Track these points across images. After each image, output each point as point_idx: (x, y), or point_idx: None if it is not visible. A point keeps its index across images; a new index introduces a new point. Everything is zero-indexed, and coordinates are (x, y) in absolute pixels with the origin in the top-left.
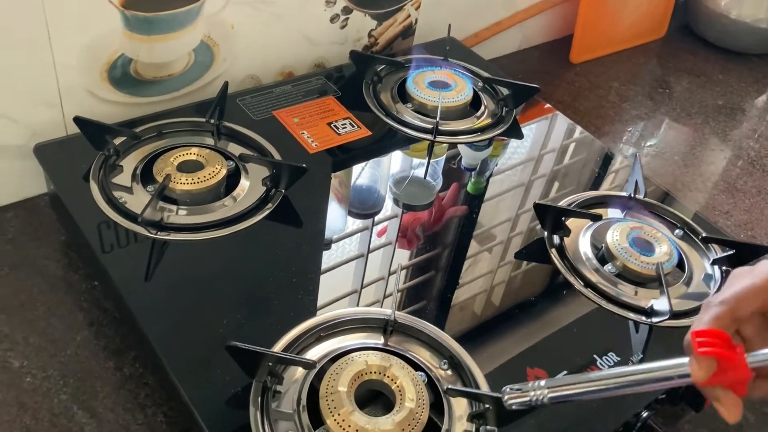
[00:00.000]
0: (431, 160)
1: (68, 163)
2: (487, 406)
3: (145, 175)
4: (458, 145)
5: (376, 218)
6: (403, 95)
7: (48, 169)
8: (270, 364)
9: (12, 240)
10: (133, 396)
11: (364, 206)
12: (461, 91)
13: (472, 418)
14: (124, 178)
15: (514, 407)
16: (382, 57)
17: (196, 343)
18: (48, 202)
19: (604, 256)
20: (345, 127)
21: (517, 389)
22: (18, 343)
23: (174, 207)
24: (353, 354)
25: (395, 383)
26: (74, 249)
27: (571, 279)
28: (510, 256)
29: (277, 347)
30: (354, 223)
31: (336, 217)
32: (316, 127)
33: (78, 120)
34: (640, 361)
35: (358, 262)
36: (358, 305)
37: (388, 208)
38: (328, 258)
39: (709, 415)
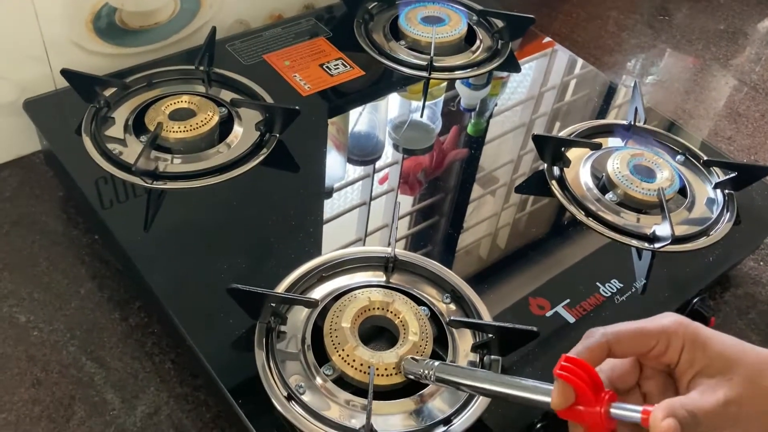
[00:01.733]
0: (429, 102)
1: (59, 117)
2: (490, 335)
3: (137, 126)
4: (456, 86)
5: (377, 165)
6: (395, 33)
7: (39, 125)
8: (273, 305)
9: (10, 198)
10: (140, 345)
11: (363, 152)
12: (455, 25)
13: (476, 348)
14: (116, 130)
15: (407, 375)
16: None
17: (198, 289)
18: (43, 159)
19: (605, 185)
20: (338, 68)
21: (414, 360)
22: (23, 298)
23: (168, 156)
24: (356, 291)
25: (398, 318)
26: (72, 204)
27: (573, 209)
28: (514, 198)
29: (280, 288)
30: (355, 171)
31: (335, 165)
32: (308, 69)
33: (65, 72)
34: (644, 288)
35: (361, 210)
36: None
37: (389, 154)
38: (330, 207)
39: None
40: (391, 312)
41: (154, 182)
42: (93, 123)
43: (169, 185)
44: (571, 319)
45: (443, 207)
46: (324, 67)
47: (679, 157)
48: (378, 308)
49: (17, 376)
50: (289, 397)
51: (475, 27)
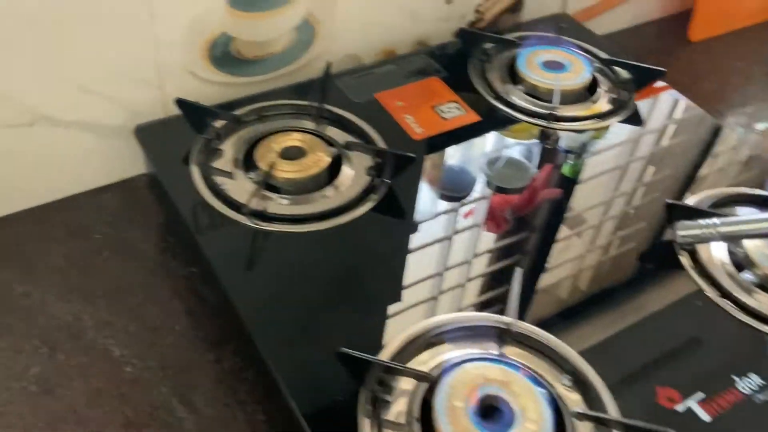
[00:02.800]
0: (526, 142)
1: (168, 145)
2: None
3: (245, 160)
4: None
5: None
6: (512, 76)
7: (148, 151)
8: (380, 372)
9: (111, 222)
10: (233, 391)
11: (455, 189)
12: (578, 73)
13: None
14: (224, 163)
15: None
16: (492, 35)
17: (297, 340)
18: (145, 183)
19: (741, 262)
20: (451, 112)
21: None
22: (118, 330)
23: (275, 195)
24: (469, 365)
25: (516, 400)
26: (171, 233)
27: (704, 286)
28: (630, 262)
29: (386, 354)
30: (443, 205)
31: (427, 201)
32: (420, 111)
33: (180, 102)
34: None
35: (442, 244)
36: (441, 289)
37: (478, 189)
38: (412, 239)
39: None
40: (508, 393)
41: (261, 223)
42: (202, 154)
43: (275, 227)
44: (707, 418)
45: (526, 246)
46: (437, 109)
47: None
48: (494, 386)
49: (109, 413)
50: None
51: (596, 75)
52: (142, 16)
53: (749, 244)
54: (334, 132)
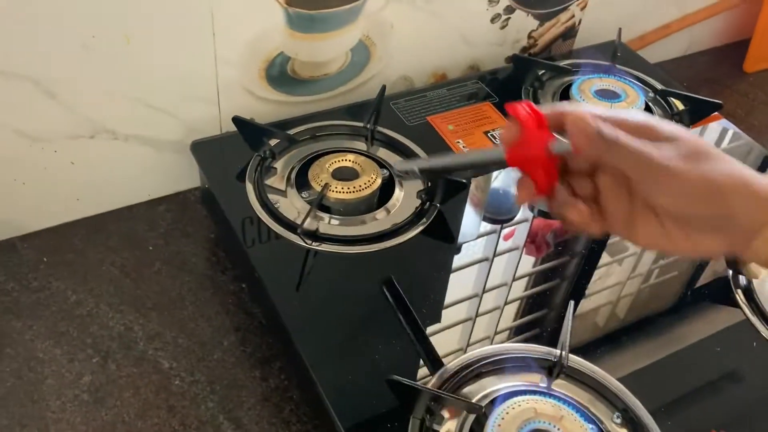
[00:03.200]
0: None
1: (223, 161)
2: None
3: (298, 179)
4: None
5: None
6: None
7: (203, 167)
8: (429, 400)
9: (164, 234)
10: (279, 410)
11: (499, 212)
12: (632, 102)
13: None
14: (278, 181)
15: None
16: (546, 62)
17: (344, 360)
18: (199, 198)
19: None
20: None
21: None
22: (168, 342)
23: (327, 216)
24: (519, 398)
25: None
26: (222, 248)
27: (761, 327)
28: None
29: (435, 382)
30: (484, 227)
31: (470, 222)
32: (471, 136)
33: (237, 120)
34: None
35: (482, 265)
36: (477, 311)
37: (521, 213)
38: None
39: None
40: (559, 428)
41: (313, 243)
42: (257, 171)
43: (326, 247)
44: None
45: (567, 270)
46: (489, 135)
47: None
48: (545, 423)
49: (157, 426)
50: None
51: (652, 105)
52: (204, 34)
53: None
54: (386, 154)
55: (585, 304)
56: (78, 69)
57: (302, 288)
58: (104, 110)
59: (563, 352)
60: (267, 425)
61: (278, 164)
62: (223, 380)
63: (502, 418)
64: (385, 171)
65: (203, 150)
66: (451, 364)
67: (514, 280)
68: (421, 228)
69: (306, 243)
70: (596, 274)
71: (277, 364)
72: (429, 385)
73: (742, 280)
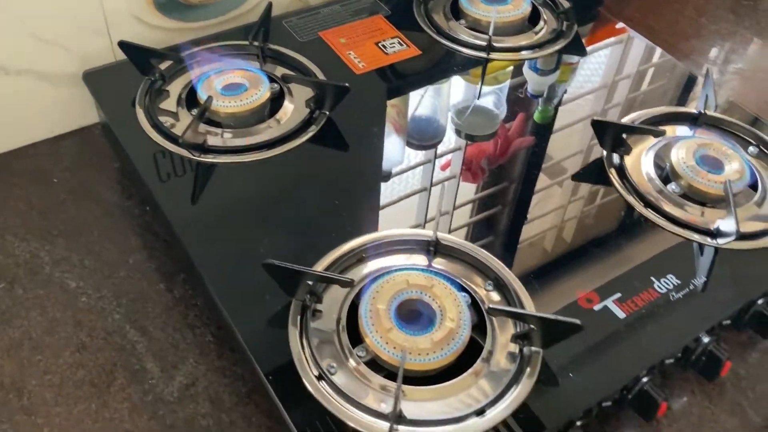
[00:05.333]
0: (494, 87)
1: (116, 89)
2: (531, 326)
3: (190, 100)
4: (523, 70)
5: (440, 151)
6: (456, 12)
7: (96, 96)
8: (310, 283)
9: (69, 168)
10: (183, 316)
11: (423, 137)
12: (518, 5)
13: (516, 338)
14: (170, 103)
15: None
16: None
17: (238, 263)
18: (101, 131)
19: (668, 175)
20: (393, 47)
21: None
22: (74, 265)
23: (219, 130)
24: (395, 273)
25: (436, 302)
26: (127, 176)
27: (631, 199)
28: (569, 187)
29: (319, 267)
30: (415, 156)
31: (393, 148)
32: (363, 47)
33: (122, 44)
34: (704, 286)
35: (421, 196)
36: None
37: (452, 140)
38: (388, 191)
39: None
40: (430, 296)
41: (202, 155)
42: (147, 96)
43: (217, 159)
44: (621, 315)
45: (506, 197)
46: (379, 45)
47: (752, 149)
48: (416, 291)
49: (64, 339)
50: (320, 377)
51: (539, 7)
52: None
53: (674, 158)
54: (278, 71)
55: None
56: None
57: (199, 201)
58: None
59: (436, 232)
60: (172, 331)
61: (170, 87)
62: (129, 294)
63: (377, 291)
64: (275, 85)
65: (96, 80)
66: (336, 250)
67: (454, 208)
68: (310, 135)
69: (194, 155)
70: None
71: (182, 276)
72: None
73: (615, 158)
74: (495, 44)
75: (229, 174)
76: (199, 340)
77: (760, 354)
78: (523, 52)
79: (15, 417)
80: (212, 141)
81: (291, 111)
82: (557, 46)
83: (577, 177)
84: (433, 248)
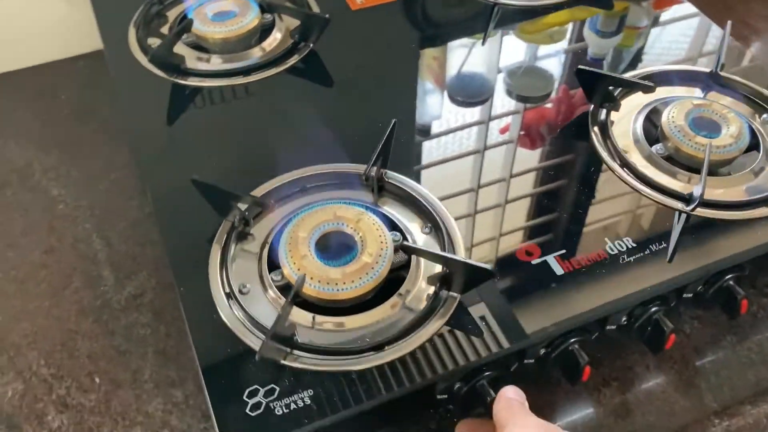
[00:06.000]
0: (550, 47)
1: (117, 10)
2: (448, 270)
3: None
4: (584, 33)
5: (494, 112)
6: None
7: (97, 15)
8: (240, 205)
9: (77, 86)
10: (146, 232)
11: (466, 93)
12: None
13: (434, 280)
14: (165, 29)
15: None
16: None
17: (185, 181)
18: None
19: (658, 136)
20: None
21: None
22: (61, 175)
23: (207, 55)
24: (326, 204)
25: (358, 235)
26: None
27: (605, 155)
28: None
29: (258, 192)
30: (464, 115)
31: (433, 102)
32: None
33: None
34: (670, 254)
35: (476, 157)
36: (476, 206)
37: (505, 103)
38: (438, 150)
39: None
40: (353, 228)
41: (177, 76)
42: (143, 19)
43: (188, 81)
44: (559, 271)
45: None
46: None
47: (765, 116)
48: (341, 223)
49: (35, 241)
50: (229, 296)
51: None
52: None
53: (664, 118)
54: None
55: None
56: None
57: (168, 122)
58: None
59: (371, 166)
60: (133, 244)
61: (169, 12)
62: (103, 206)
63: (302, 219)
64: (269, 15)
65: (103, 1)
66: (278, 177)
67: (511, 176)
68: (289, 65)
69: (170, 77)
70: None
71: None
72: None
73: (603, 114)
74: None
75: (202, 98)
76: (157, 255)
77: (737, 338)
78: (534, 1)
79: None
80: (193, 64)
81: (278, 41)
82: None
83: (562, 132)
84: (371, 184)
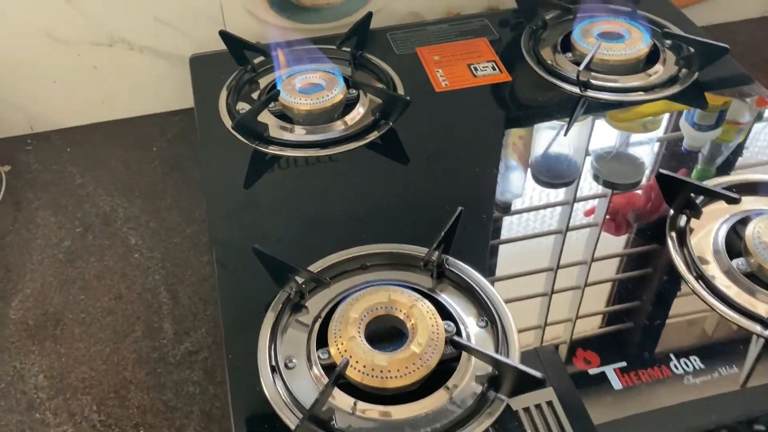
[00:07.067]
0: (642, 135)
1: (212, 75)
2: (497, 372)
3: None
4: (680, 124)
5: (579, 194)
6: (567, 46)
7: (193, 77)
8: (297, 278)
9: (170, 140)
10: (211, 289)
11: (550, 174)
12: (633, 44)
13: (481, 380)
14: (256, 95)
15: None
16: (554, 1)
17: (248, 248)
18: None
19: (741, 250)
20: (485, 70)
21: None
22: (141, 225)
23: (290, 125)
24: (380, 286)
25: (410, 322)
26: None
27: (680, 265)
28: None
29: (318, 266)
30: (547, 195)
31: (515, 179)
32: (453, 67)
33: (223, 34)
34: (744, 379)
35: (557, 237)
36: (553, 286)
37: (592, 187)
38: (518, 227)
39: None
40: (406, 315)
41: (258, 144)
42: (235, 85)
43: (271, 149)
44: (618, 386)
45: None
46: (471, 67)
47: None
48: (395, 308)
49: (107, 287)
50: (274, 369)
51: (663, 49)
52: None
53: (748, 231)
54: (363, 78)
55: None
56: None
57: (250, 188)
58: (119, 21)
59: (437, 251)
60: (198, 300)
61: (261, 80)
62: (175, 260)
63: (356, 299)
64: (353, 91)
65: (199, 63)
66: (340, 253)
67: (593, 260)
68: (368, 141)
69: (251, 143)
70: None
71: None
72: (310, 269)
73: (682, 220)
74: (594, 81)
75: (280, 166)
76: (216, 314)
77: None
78: (622, 94)
79: (45, 342)
80: (276, 133)
81: (360, 116)
82: (666, 92)
83: (639, 233)
84: (432, 269)
